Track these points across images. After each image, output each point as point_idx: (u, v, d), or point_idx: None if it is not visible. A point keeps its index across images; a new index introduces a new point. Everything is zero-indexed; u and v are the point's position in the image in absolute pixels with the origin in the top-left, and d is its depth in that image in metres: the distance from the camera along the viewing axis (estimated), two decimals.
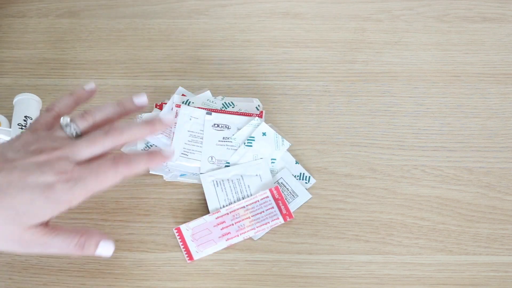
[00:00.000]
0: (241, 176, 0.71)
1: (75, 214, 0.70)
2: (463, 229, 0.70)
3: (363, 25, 0.84)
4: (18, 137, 0.59)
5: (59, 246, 0.56)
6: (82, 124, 0.60)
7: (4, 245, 0.55)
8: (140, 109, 0.63)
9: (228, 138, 0.72)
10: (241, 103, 0.76)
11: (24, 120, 0.73)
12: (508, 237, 0.69)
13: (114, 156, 0.57)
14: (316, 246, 0.69)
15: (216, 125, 0.72)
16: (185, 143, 0.72)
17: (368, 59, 0.81)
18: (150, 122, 0.59)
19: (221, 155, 0.71)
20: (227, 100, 0.76)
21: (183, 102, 0.75)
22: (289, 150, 0.74)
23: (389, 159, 0.74)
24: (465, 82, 0.80)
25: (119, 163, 0.57)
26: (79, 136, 0.60)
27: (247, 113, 0.74)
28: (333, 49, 0.82)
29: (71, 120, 0.60)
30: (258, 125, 0.74)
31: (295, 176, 0.72)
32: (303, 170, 0.72)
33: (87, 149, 0.58)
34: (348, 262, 0.68)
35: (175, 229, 0.68)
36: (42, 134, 0.60)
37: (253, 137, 0.73)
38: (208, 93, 0.76)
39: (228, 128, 0.72)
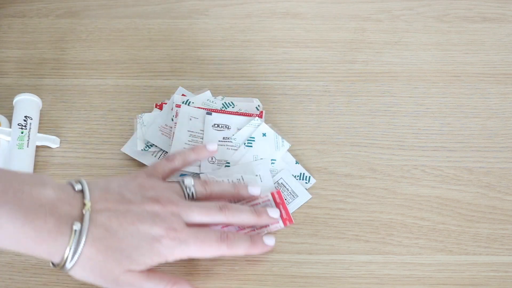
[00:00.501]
0: (241, 176, 0.71)
1: None
2: (463, 229, 0.70)
3: (363, 25, 0.84)
4: (134, 178, 0.62)
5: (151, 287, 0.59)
6: (201, 192, 0.64)
7: (98, 280, 0.58)
8: (253, 198, 0.68)
9: (228, 138, 0.72)
10: (241, 103, 0.76)
11: (24, 120, 0.73)
12: (508, 237, 0.69)
13: (221, 234, 0.62)
14: (316, 246, 0.69)
15: (216, 125, 0.72)
16: (185, 143, 0.72)
17: (368, 59, 0.81)
18: (259, 215, 0.65)
19: (221, 155, 0.71)
20: (227, 100, 0.76)
21: (183, 102, 0.75)
22: (289, 150, 0.74)
23: (389, 159, 0.74)
24: (465, 82, 0.80)
25: (223, 243, 0.61)
26: (193, 199, 0.63)
27: (247, 113, 0.74)
28: (333, 49, 0.82)
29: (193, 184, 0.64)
30: (258, 126, 0.73)
31: (295, 176, 0.72)
32: (303, 170, 0.72)
33: (199, 216, 0.61)
34: (348, 262, 0.68)
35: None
36: (159, 183, 0.63)
37: (253, 138, 0.73)
38: (208, 93, 0.76)
39: (228, 128, 0.72)
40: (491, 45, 0.83)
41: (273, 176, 0.72)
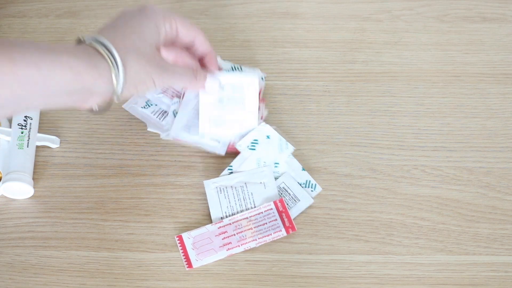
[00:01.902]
0: (245, 183, 0.71)
1: (75, 214, 0.71)
2: (463, 229, 0.70)
3: (363, 25, 0.84)
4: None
5: (181, 72, 0.66)
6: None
7: (149, 70, 0.62)
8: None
9: (222, 100, 0.72)
10: (248, 70, 0.78)
11: (24, 120, 0.73)
12: (508, 237, 0.69)
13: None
14: (316, 246, 0.69)
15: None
16: (188, 119, 0.73)
17: (368, 59, 0.81)
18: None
19: (217, 116, 0.72)
20: (236, 65, 0.78)
21: None
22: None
23: (389, 159, 0.74)
24: (465, 82, 0.80)
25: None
26: None
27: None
28: (333, 49, 0.82)
29: None
30: (262, 129, 0.73)
31: (300, 184, 0.71)
32: (309, 178, 0.72)
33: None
34: (348, 262, 0.68)
35: (177, 237, 0.68)
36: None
37: (257, 140, 0.73)
38: (218, 59, 0.77)
39: (222, 89, 0.72)
40: (491, 45, 0.83)
41: (275, 179, 0.72)
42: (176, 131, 0.73)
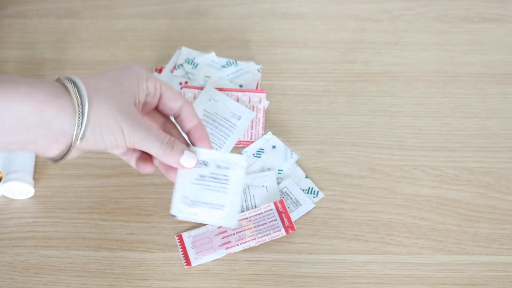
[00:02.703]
0: (248, 186, 0.71)
1: (75, 214, 0.71)
2: (463, 229, 0.70)
3: (363, 25, 0.84)
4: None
5: (155, 136, 0.58)
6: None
7: (118, 117, 0.55)
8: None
9: (204, 177, 0.63)
10: (242, 63, 0.79)
11: None
12: (508, 237, 0.69)
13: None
14: (316, 246, 0.69)
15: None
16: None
17: (368, 59, 0.82)
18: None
19: (196, 195, 0.63)
20: (231, 60, 0.79)
21: (187, 62, 0.76)
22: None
23: (389, 159, 0.74)
24: (465, 82, 0.80)
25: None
26: None
27: (247, 90, 0.76)
28: (333, 49, 0.82)
29: None
30: (268, 140, 0.74)
31: (303, 190, 0.71)
32: (312, 185, 0.72)
33: None
34: (348, 262, 0.68)
35: (177, 236, 0.68)
36: None
37: (263, 149, 0.73)
38: (212, 55, 0.78)
39: (206, 165, 0.64)
40: (490, 46, 0.83)
41: (278, 184, 0.72)
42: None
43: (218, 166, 0.63)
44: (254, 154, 0.73)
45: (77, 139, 0.54)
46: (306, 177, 0.72)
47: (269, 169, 0.72)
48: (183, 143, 0.61)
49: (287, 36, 0.84)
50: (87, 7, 0.86)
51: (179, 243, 0.68)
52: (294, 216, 0.70)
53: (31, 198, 0.71)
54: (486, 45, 0.83)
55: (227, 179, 0.63)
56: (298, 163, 0.73)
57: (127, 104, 0.57)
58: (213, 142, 0.73)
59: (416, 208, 0.71)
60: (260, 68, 0.79)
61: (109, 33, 0.84)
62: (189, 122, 0.62)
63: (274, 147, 0.74)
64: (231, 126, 0.73)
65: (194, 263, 0.67)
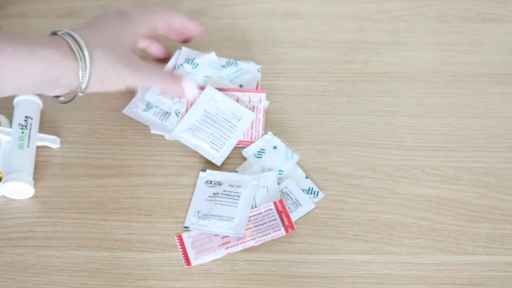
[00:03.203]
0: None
1: (75, 214, 0.71)
2: (463, 229, 0.70)
3: (363, 25, 0.84)
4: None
5: (157, 75, 0.69)
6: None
7: (117, 68, 0.65)
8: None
9: (218, 194, 0.71)
10: (242, 63, 0.79)
11: (25, 120, 0.73)
12: (508, 237, 0.69)
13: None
14: (316, 246, 0.69)
15: (208, 182, 0.72)
16: (196, 120, 0.73)
17: (368, 59, 0.82)
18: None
19: (208, 209, 0.70)
20: (231, 60, 0.79)
21: (187, 62, 0.76)
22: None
23: (389, 159, 0.74)
24: (465, 82, 0.80)
25: (170, 9, 0.75)
26: None
27: (248, 89, 0.76)
28: (333, 49, 0.82)
29: None
30: (269, 140, 0.74)
31: (303, 190, 0.71)
32: (312, 185, 0.72)
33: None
34: (348, 262, 0.68)
35: (177, 237, 0.68)
36: None
37: (264, 150, 0.73)
38: (213, 55, 0.78)
39: (220, 184, 0.71)
40: (490, 46, 0.83)
41: (278, 184, 0.72)
42: (179, 131, 0.73)
43: (231, 185, 0.71)
44: (255, 155, 0.73)
45: (80, 91, 0.64)
46: (306, 177, 0.72)
47: (269, 170, 0.72)
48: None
49: (287, 36, 0.84)
50: (87, 7, 0.86)
51: (179, 243, 0.68)
52: (294, 216, 0.70)
53: (31, 198, 0.71)
54: (486, 45, 0.83)
55: (238, 196, 0.70)
56: (298, 163, 0.73)
57: (126, 52, 0.66)
58: (213, 143, 0.73)
59: (416, 208, 0.71)
60: (260, 68, 0.79)
61: None
62: (181, 24, 0.74)
63: (275, 147, 0.74)
64: (232, 127, 0.73)
65: (194, 263, 0.67)
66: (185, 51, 0.78)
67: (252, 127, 0.75)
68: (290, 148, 0.74)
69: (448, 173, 0.73)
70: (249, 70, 0.79)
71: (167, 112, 0.75)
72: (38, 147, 0.74)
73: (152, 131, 0.74)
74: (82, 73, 0.63)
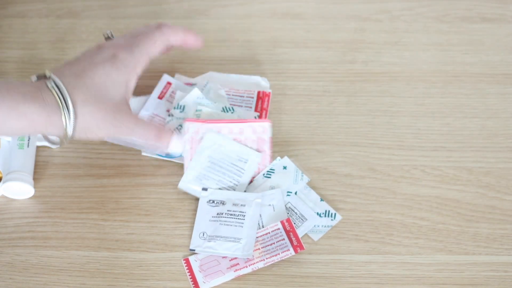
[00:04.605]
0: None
1: (75, 214, 0.71)
2: (463, 229, 0.70)
3: (363, 25, 0.84)
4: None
5: (142, 132, 0.67)
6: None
7: (101, 126, 0.64)
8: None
9: (222, 214, 0.69)
10: (239, 110, 0.75)
11: None
12: (508, 237, 0.69)
13: (157, 23, 0.70)
14: (316, 246, 0.69)
15: (211, 201, 0.71)
16: (203, 168, 0.71)
17: (368, 59, 0.82)
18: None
19: (214, 230, 0.68)
20: (227, 107, 0.74)
21: (174, 108, 0.74)
22: (287, 150, 0.74)
23: (389, 159, 0.74)
24: (465, 82, 0.80)
25: (163, 27, 0.70)
26: None
27: (244, 120, 0.72)
28: (333, 49, 0.82)
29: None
30: (280, 160, 0.72)
31: (319, 214, 0.70)
32: (328, 208, 0.70)
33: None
34: (348, 262, 0.68)
35: (184, 260, 0.67)
36: None
37: (273, 170, 0.72)
38: (196, 91, 0.74)
39: (223, 204, 0.70)
40: (490, 46, 0.83)
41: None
42: (186, 181, 0.71)
43: (235, 204, 0.69)
44: (264, 174, 0.72)
45: (63, 143, 0.65)
46: (321, 200, 0.71)
47: (276, 189, 0.71)
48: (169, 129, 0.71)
49: (287, 36, 0.84)
50: (87, 7, 0.86)
51: (186, 267, 0.67)
52: (300, 232, 0.68)
53: (31, 198, 0.71)
54: (486, 45, 0.83)
55: (243, 215, 0.68)
56: (298, 163, 0.73)
57: (113, 108, 0.65)
58: (222, 189, 0.71)
59: (416, 208, 0.71)
60: (267, 84, 0.77)
61: None
62: (177, 39, 0.71)
63: (285, 167, 0.73)
64: (239, 171, 0.71)
65: (203, 287, 0.66)
66: (174, 83, 0.77)
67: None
68: (300, 169, 0.73)
69: (448, 173, 0.73)
70: (246, 117, 0.74)
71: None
72: (38, 147, 0.74)
73: (144, 153, 0.73)
74: (66, 129, 0.63)
